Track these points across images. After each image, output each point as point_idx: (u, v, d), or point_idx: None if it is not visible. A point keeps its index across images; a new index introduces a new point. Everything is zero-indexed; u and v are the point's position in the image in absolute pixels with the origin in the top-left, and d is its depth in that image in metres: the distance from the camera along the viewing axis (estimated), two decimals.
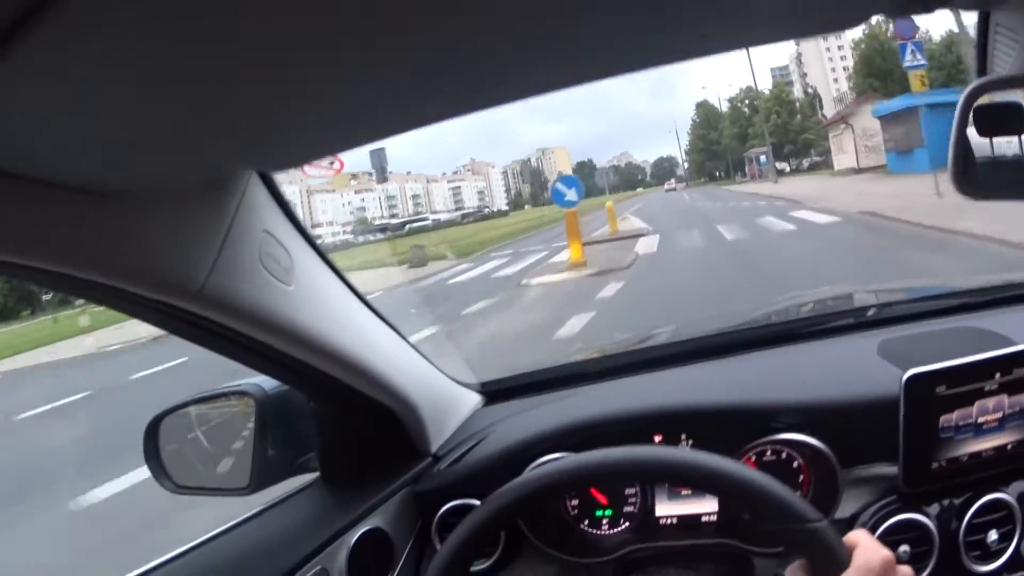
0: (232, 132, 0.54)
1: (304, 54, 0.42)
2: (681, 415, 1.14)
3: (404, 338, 1.13)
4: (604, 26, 0.46)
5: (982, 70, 0.87)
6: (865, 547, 0.71)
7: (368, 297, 1.03)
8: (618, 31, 0.47)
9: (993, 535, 1.03)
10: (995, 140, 0.99)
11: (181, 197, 0.65)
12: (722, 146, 47.66)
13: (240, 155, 0.65)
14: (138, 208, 0.62)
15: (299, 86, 0.47)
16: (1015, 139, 0.97)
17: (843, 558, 0.70)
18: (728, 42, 0.54)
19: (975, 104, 0.94)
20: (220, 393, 1.05)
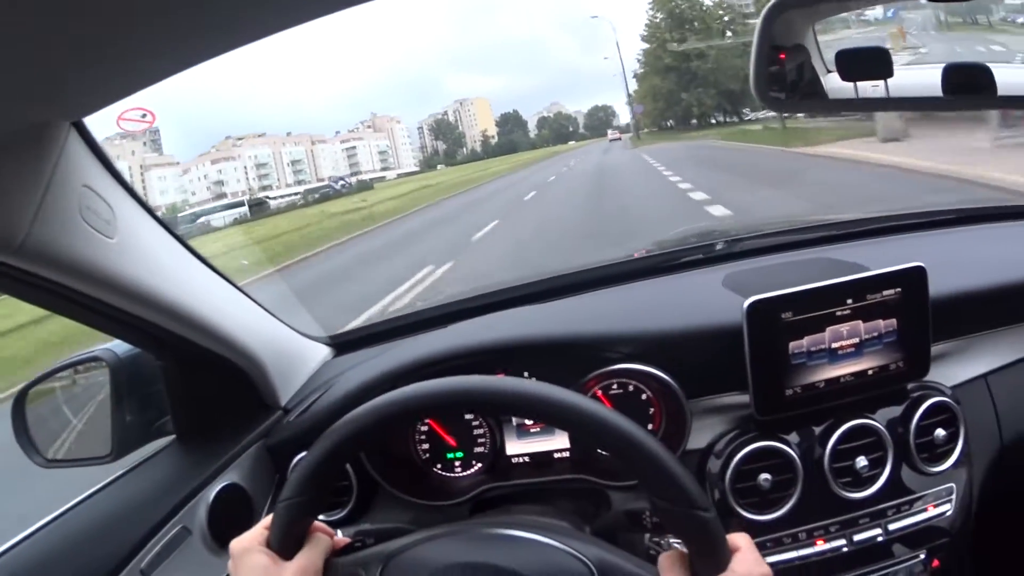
0: (32, 75, 0.61)
1: None
2: (520, 348, 1.30)
3: (244, 292, 1.27)
4: None
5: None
6: (746, 554, 0.77)
7: None
8: None
9: (862, 461, 1.19)
10: (860, 85, 1.21)
11: None
12: (710, 60, 36.86)
13: (44, 99, 0.71)
14: None
15: (94, 18, 0.53)
16: (880, 84, 1.18)
17: (724, 557, 0.75)
18: None
19: (839, 50, 1.19)
20: (76, 361, 1.19)
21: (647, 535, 1.16)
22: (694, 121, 39.46)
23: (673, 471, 0.76)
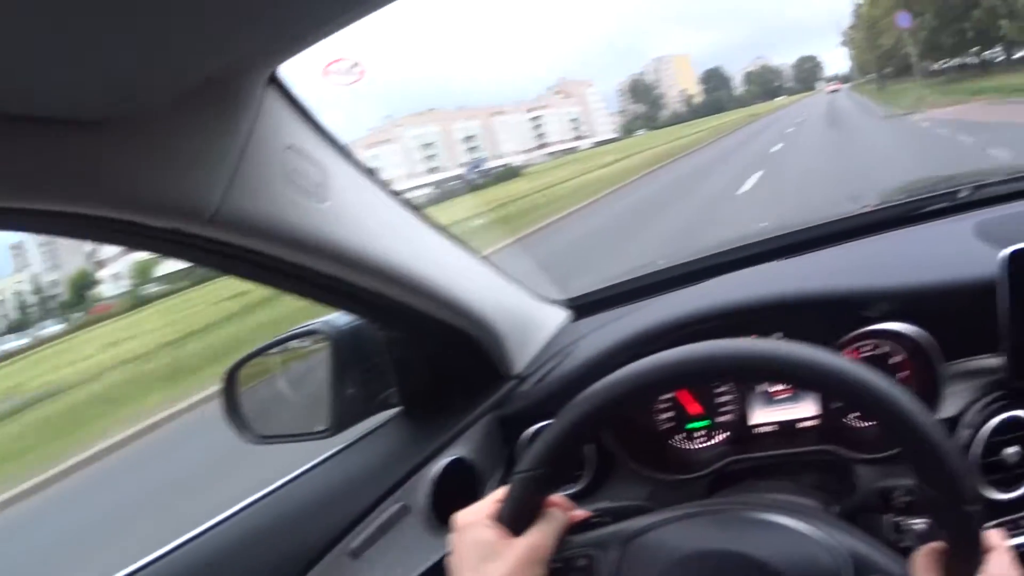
0: (213, 19, 0.58)
1: None
2: (772, 307, 1.23)
3: (475, 253, 1.26)
4: None
5: None
6: (1002, 555, 0.73)
7: None
8: None
9: None
10: None
11: (182, 112, 0.71)
12: None
13: (230, 48, 0.68)
14: (137, 132, 0.69)
15: None
16: None
17: (980, 556, 0.72)
18: None
19: None
20: (291, 335, 1.22)
21: (891, 515, 1.09)
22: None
23: (948, 457, 0.70)
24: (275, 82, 0.83)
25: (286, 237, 0.84)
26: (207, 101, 0.73)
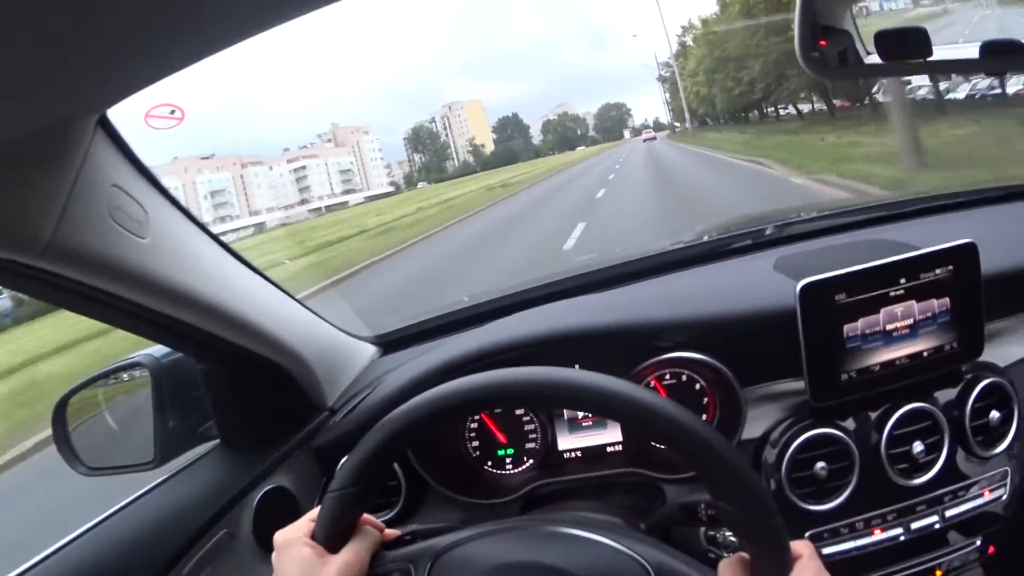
0: (49, 68, 0.70)
1: None
2: (569, 339, 1.55)
3: (286, 292, 1.52)
4: None
5: None
6: (808, 563, 0.89)
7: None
8: None
9: (918, 446, 1.43)
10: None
11: (17, 150, 0.85)
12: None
13: (63, 93, 0.81)
14: None
15: (118, 5, 0.61)
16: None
17: (786, 564, 0.88)
18: None
19: (878, 31, 1.36)
20: (115, 368, 1.45)
21: (702, 529, 1.36)
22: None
23: (741, 473, 0.88)
24: (103, 123, 1.00)
25: (111, 270, 1.01)
26: (41, 140, 0.89)
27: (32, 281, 0.97)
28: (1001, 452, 1.49)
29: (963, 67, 1.30)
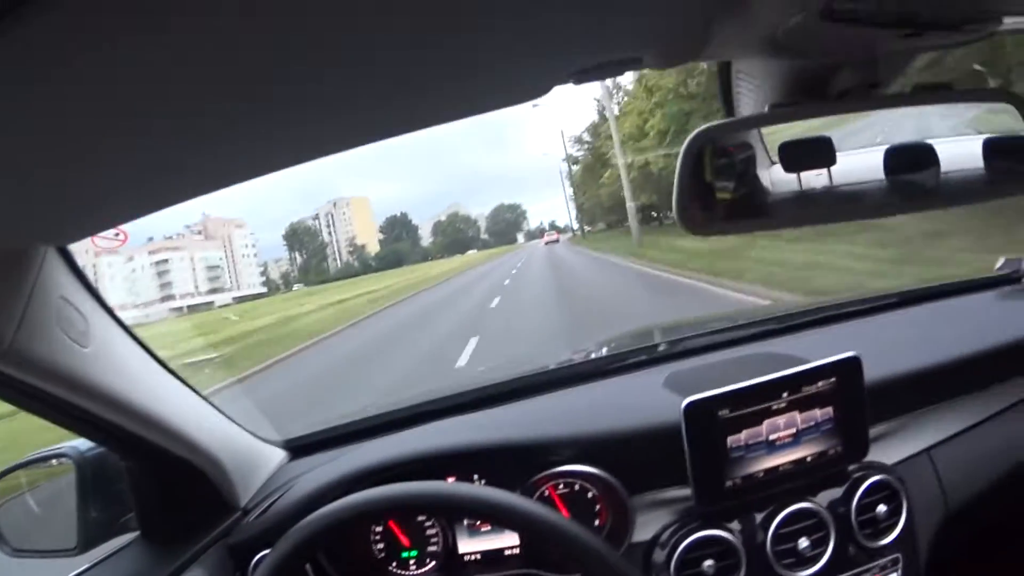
0: (22, 210, 0.87)
1: (89, 127, 0.66)
2: (469, 454, 1.78)
3: (203, 397, 1.72)
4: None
5: (729, 113, 1.38)
6: None
7: None
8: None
9: (804, 542, 1.62)
10: (803, 175, 1.48)
11: None
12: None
13: (29, 231, 1.01)
14: None
15: (85, 162, 0.74)
16: (824, 172, 1.44)
17: None
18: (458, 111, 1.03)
19: (782, 142, 1.37)
20: (42, 456, 1.64)
21: None
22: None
23: (616, 567, 1.10)
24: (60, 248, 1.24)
25: (56, 375, 1.20)
26: (4, 257, 1.09)
27: None
28: (890, 542, 1.69)
29: (866, 194, 1.42)
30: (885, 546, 1.70)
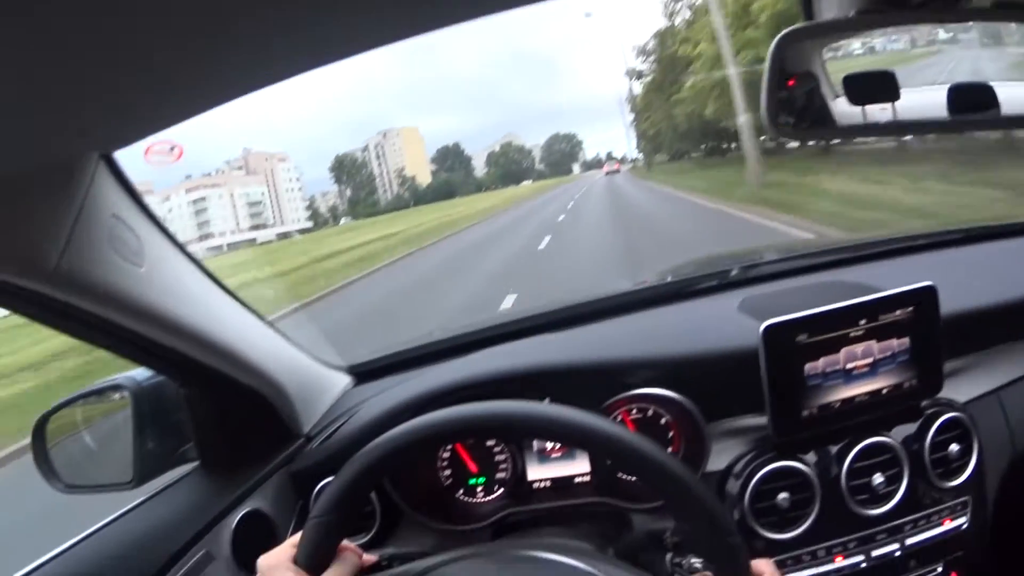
0: (63, 110, 0.81)
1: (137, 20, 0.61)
2: (540, 375, 1.80)
3: (266, 321, 1.74)
4: None
5: (808, 16, 1.36)
6: None
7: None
8: None
9: (878, 478, 1.66)
10: (867, 109, 1.46)
11: (28, 181, 1.01)
12: None
13: (76, 134, 0.95)
14: None
15: (134, 53, 0.69)
16: (888, 107, 1.46)
17: None
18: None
19: (846, 75, 1.44)
20: (97, 389, 1.67)
21: (668, 555, 1.48)
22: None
23: (699, 495, 1.05)
24: (106, 157, 1.19)
25: (108, 297, 1.18)
26: (50, 172, 1.06)
27: (34, 306, 1.14)
28: (961, 483, 1.72)
29: (930, 127, 1.45)
30: (956, 487, 1.73)
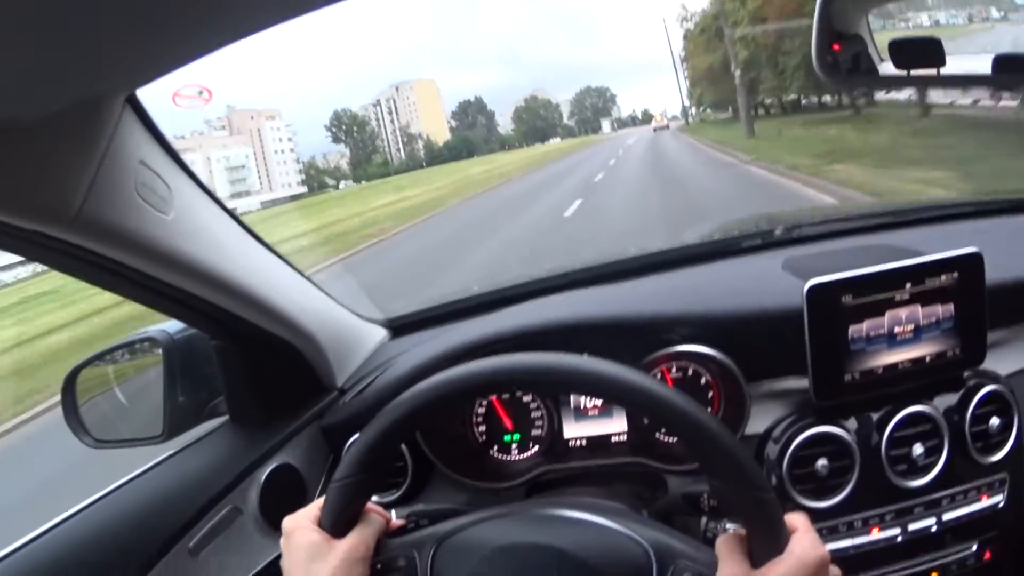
0: (82, 46, 0.84)
1: None
2: (578, 328, 1.92)
3: (300, 272, 1.88)
4: None
5: None
6: (803, 536, 1.08)
7: None
8: None
9: (919, 448, 1.75)
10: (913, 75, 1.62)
11: (51, 124, 1.05)
12: None
13: (95, 71, 0.98)
14: (8, 141, 1.00)
15: None
16: (933, 72, 1.61)
17: (782, 539, 1.07)
18: None
19: (892, 40, 1.61)
20: (128, 342, 1.84)
21: (704, 518, 1.60)
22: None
23: (733, 451, 1.09)
24: (132, 101, 1.23)
25: (134, 244, 1.25)
26: (73, 115, 1.09)
27: (57, 253, 1.22)
28: (1000, 459, 1.82)
29: (973, 81, 1.58)
30: (994, 463, 1.83)
